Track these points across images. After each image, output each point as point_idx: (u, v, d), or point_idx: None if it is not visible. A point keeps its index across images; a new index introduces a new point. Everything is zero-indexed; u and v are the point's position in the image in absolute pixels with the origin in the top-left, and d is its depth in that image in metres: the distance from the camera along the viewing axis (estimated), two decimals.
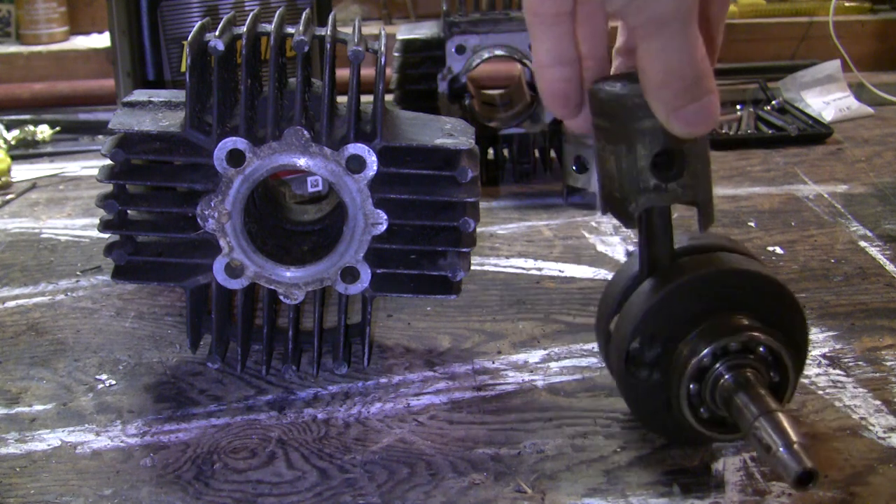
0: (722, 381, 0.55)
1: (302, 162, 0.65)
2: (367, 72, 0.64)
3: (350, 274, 0.68)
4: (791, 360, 0.56)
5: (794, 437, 0.50)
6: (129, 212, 0.67)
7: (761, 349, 0.56)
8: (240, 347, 0.70)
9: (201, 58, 0.64)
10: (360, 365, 0.71)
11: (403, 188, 0.66)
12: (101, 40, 1.76)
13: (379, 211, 0.66)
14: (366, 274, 0.68)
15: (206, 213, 0.66)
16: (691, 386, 0.56)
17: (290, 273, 0.68)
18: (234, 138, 0.64)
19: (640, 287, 0.58)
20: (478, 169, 0.67)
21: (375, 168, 0.65)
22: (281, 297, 0.68)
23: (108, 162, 0.66)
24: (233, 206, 0.66)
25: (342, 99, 0.65)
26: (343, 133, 0.65)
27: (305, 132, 0.64)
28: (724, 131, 1.30)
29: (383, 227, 0.67)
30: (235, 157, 0.65)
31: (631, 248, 0.92)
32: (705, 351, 0.55)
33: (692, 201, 0.55)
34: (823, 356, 0.71)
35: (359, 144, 0.65)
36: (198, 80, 0.64)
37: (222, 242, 0.67)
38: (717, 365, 0.56)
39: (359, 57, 0.64)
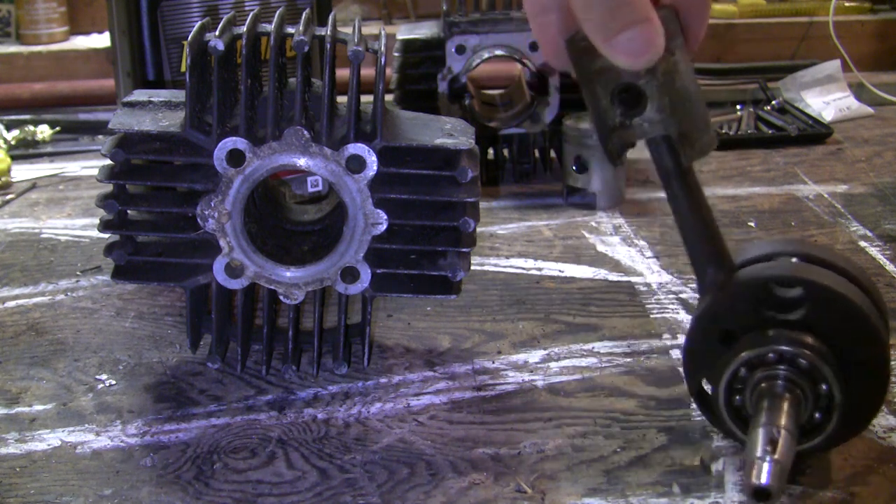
0: (770, 382, 0.54)
1: (302, 162, 0.65)
2: (367, 72, 0.64)
3: (350, 274, 0.68)
4: (836, 418, 0.55)
5: (780, 456, 0.50)
6: (129, 212, 0.67)
7: (823, 386, 0.54)
8: (240, 347, 0.70)
9: (201, 58, 0.64)
10: (360, 365, 0.71)
11: (403, 188, 0.66)
12: (101, 40, 1.76)
13: (379, 211, 0.66)
14: (366, 274, 0.68)
15: (206, 213, 0.66)
16: (742, 370, 0.55)
17: (290, 273, 0.68)
18: (234, 138, 0.64)
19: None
20: (478, 169, 0.67)
21: (375, 168, 0.65)
22: (281, 297, 0.68)
23: (108, 162, 0.66)
24: (233, 206, 0.66)
25: (342, 99, 0.65)
26: (343, 133, 0.65)
27: (305, 132, 0.64)
28: (724, 131, 1.30)
29: (383, 227, 0.67)
30: (235, 157, 0.65)
31: (630, 248, 0.92)
32: (782, 348, 0.54)
33: (665, 136, 0.54)
34: None
35: (359, 144, 0.65)
36: (198, 80, 0.64)
37: (222, 242, 0.67)
38: (780, 367, 0.54)
39: (359, 57, 0.64)
